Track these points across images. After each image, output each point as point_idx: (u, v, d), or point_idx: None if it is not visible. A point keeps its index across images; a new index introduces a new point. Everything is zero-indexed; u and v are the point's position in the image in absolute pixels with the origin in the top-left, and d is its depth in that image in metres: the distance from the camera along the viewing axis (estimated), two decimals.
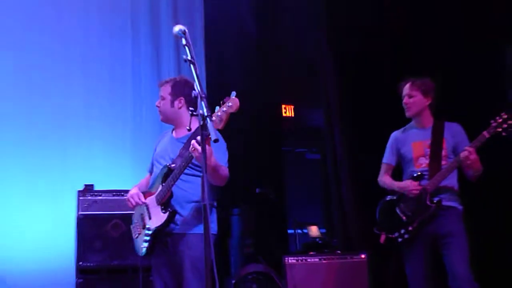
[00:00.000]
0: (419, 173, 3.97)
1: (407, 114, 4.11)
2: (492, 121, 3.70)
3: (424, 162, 4.01)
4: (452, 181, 3.98)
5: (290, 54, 7.02)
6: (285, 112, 7.60)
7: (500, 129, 3.66)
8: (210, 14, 6.86)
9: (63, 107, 6.42)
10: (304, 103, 7.63)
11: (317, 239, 5.72)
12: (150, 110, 5.69)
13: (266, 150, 7.01)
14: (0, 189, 5.89)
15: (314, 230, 5.83)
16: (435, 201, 3.86)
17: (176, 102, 3.74)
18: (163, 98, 3.77)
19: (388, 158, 4.28)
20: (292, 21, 6.84)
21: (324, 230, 5.83)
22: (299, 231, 6.00)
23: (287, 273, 5.09)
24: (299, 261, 5.14)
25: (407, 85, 4.10)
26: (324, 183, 7.06)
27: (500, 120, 3.66)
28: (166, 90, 3.77)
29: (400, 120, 4.28)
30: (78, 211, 4.80)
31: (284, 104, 7.61)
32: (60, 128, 6.35)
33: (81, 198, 4.84)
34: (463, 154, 3.73)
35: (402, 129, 4.26)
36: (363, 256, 5.03)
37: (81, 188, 4.91)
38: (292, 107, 7.55)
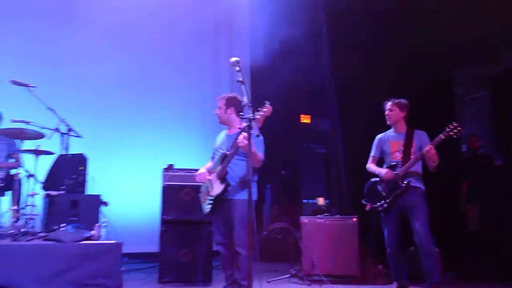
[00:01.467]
0: (393, 164, 4.10)
1: (388, 122, 4.21)
2: (446, 128, 3.83)
3: (398, 155, 4.10)
4: (417, 168, 4.05)
5: (307, 80, 7.00)
6: (303, 120, 7.58)
7: (452, 133, 3.82)
8: (255, 50, 6.94)
9: (158, 105, 6.60)
10: (317, 114, 7.60)
11: (323, 207, 5.71)
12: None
13: (289, 146, 7.06)
14: (115, 163, 6.08)
15: (320, 200, 5.83)
16: (405, 182, 3.96)
17: (228, 111, 3.78)
18: (220, 108, 3.82)
19: (374, 152, 4.33)
20: (309, 58, 6.80)
21: (327, 201, 5.81)
22: (311, 200, 6.00)
23: (301, 229, 5.10)
24: (310, 221, 5.15)
25: (389, 103, 4.21)
26: (327, 169, 7.07)
27: (452, 127, 3.82)
28: (222, 102, 3.81)
29: (382, 128, 4.32)
30: (163, 181, 4.83)
31: (302, 114, 7.59)
32: (156, 121, 6.55)
33: (165, 173, 4.85)
34: (426, 149, 3.87)
35: (384, 133, 4.32)
36: (354, 219, 5.00)
37: (165, 166, 4.94)
38: (309, 116, 7.54)
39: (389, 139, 4.24)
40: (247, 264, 3.10)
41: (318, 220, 5.14)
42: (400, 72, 5.94)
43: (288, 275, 4.99)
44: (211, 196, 3.64)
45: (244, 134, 3.24)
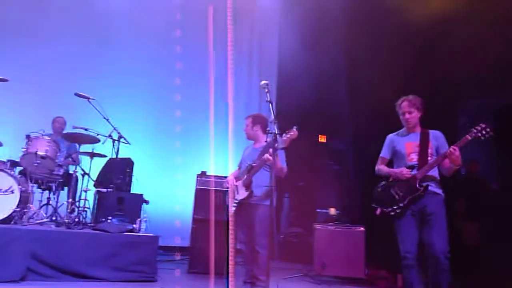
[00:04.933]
0: (411, 165, 3.34)
1: (407, 126, 3.45)
2: (473, 128, 3.10)
3: (414, 157, 3.34)
4: (435, 173, 3.32)
5: (324, 106, 6.96)
6: (320, 139, 7.55)
7: (480, 135, 3.07)
8: (282, 73, 7.01)
9: (195, 119, 6.72)
10: (332, 135, 7.55)
11: (334, 216, 5.66)
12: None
13: (308, 162, 7.03)
14: (157, 168, 6.19)
15: (332, 210, 5.77)
16: (423, 185, 3.24)
17: (254, 128, 3.82)
18: (247, 125, 3.86)
19: (384, 153, 3.56)
20: (330, 87, 6.81)
21: (338, 211, 5.74)
22: (323, 210, 5.96)
23: (315, 234, 5.08)
24: (322, 227, 5.11)
25: (405, 103, 3.42)
26: (340, 184, 7.01)
27: (479, 128, 3.08)
28: (249, 120, 3.86)
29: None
30: (196, 185, 4.89)
31: (320, 134, 7.57)
32: (192, 132, 6.67)
33: (198, 178, 4.93)
34: (450, 150, 3.13)
35: (395, 133, 3.55)
36: (361, 228, 4.96)
37: (199, 173, 5.02)
38: (325, 136, 7.50)
39: (403, 140, 3.46)
40: (266, 261, 3.12)
41: (329, 227, 5.10)
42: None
43: (301, 274, 4.96)
44: (236, 200, 3.67)
45: (269, 150, 3.30)
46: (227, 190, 3.88)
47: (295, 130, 3.24)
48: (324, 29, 6.60)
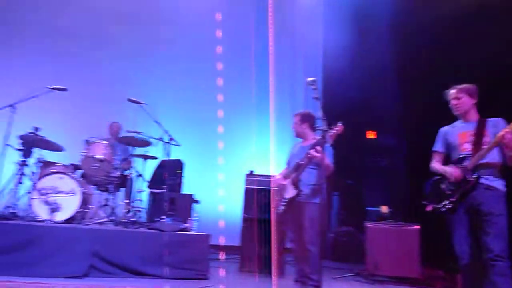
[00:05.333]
0: (460, 157, 3.06)
1: (456, 112, 3.19)
2: None
3: (468, 147, 3.03)
4: (493, 157, 2.92)
5: (373, 102, 6.75)
6: (369, 136, 7.36)
7: None
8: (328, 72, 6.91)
9: (242, 119, 6.77)
10: (381, 131, 7.32)
11: (386, 214, 5.49)
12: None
13: (355, 158, 6.88)
14: (206, 168, 6.31)
15: (384, 208, 5.60)
16: (474, 176, 2.92)
17: (303, 125, 3.77)
18: (295, 123, 3.80)
19: (437, 147, 3.29)
20: (378, 82, 6.61)
21: (391, 209, 5.56)
22: (374, 208, 5.79)
23: (366, 232, 4.96)
24: (374, 226, 4.98)
25: (454, 91, 3.19)
26: (391, 181, 6.80)
27: None
28: (298, 118, 3.79)
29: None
30: (245, 185, 4.91)
31: (368, 130, 7.37)
32: (239, 132, 6.76)
33: (247, 178, 4.96)
34: (500, 133, 2.82)
35: (449, 125, 3.28)
36: (416, 226, 4.77)
37: (247, 172, 5.04)
38: (375, 132, 7.29)
39: (456, 130, 3.18)
40: (317, 260, 3.08)
41: (382, 226, 4.95)
42: None
43: (353, 274, 4.85)
44: (284, 198, 3.65)
45: (316, 148, 3.26)
46: (275, 189, 3.86)
47: (340, 125, 3.19)
48: (372, 22, 6.42)
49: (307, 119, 3.78)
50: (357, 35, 6.58)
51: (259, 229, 4.68)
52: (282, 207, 3.67)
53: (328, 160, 3.43)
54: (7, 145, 4.49)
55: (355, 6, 6.58)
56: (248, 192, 4.89)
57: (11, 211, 4.28)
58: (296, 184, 3.56)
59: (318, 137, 3.04)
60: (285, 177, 3.75)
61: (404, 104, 6.33)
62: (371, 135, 7.40)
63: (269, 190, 4.65)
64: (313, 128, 3.75)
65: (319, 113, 3.01)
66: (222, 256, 5.49)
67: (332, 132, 3.17)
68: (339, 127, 3.18)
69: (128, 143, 5.29)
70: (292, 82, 7.25)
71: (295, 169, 3.60)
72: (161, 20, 6.87)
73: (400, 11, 6.12)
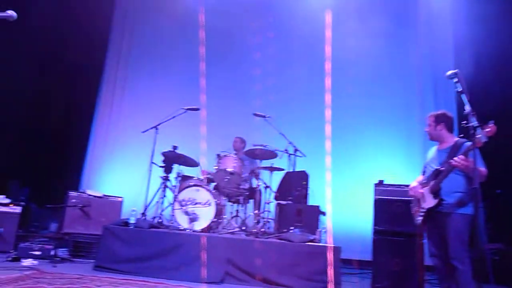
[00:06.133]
0: None
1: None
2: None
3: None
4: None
5: None
6: None
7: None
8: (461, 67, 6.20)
9: (367, 130, 6.51)
10: None
11: None
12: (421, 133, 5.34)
13: (505, 164, 5.97)
14: (332, 179, 6.17)
15: None
16: None
17: (438, 127, 3.44)
18: (429, 125, 3.50)
19: None
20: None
21: None
22: None
23: None
24: None
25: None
26: None
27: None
28: (431, 119, 3.49)
29: None
30: (374, 195, 4.66)
31: None
32: (365, 141, 6.50)
33: (376, 188, 4.69)
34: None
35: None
36: None
37: (376, 182, 4.80)
38: None
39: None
40: (468, 280, 2.69)
41: None
42: None
43: None
44: (422, 208, 3.33)
45: (459, 156, 2.92)
46: (411, 199, 3.57)
47: (492, 125, 2.74)
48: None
49: (442, 119, 3.45)
50: (496, 25, 5.79)
51: (392, 243, 4.35)
52: (420, 218, 3.36)
53: (479, 164, 3.00)
54: (153, 163, 5.03)
55: None
56: (378, 203, 4.59)
57: (158, 220, 4.75)
58: (436, 192, 3.22)
59: (458, 139, 2.67)
60: (422, 185, 3.42)
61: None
62: None
63: (401, 200, 4.34)
64: (450, 129, 3.40)
65: (467, 108, 2.64)
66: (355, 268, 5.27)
67: (484, 133, 2.74)
68: (490, 127, 2.73)
69: (255, 156, 5.47)
70: (418, 81, 6.72)
71: (435, 176, 3.26)
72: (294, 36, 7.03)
73: None
